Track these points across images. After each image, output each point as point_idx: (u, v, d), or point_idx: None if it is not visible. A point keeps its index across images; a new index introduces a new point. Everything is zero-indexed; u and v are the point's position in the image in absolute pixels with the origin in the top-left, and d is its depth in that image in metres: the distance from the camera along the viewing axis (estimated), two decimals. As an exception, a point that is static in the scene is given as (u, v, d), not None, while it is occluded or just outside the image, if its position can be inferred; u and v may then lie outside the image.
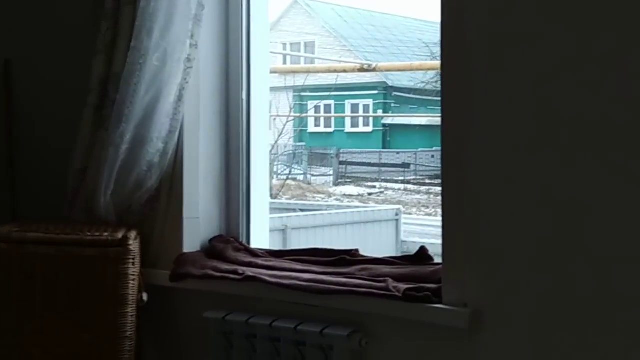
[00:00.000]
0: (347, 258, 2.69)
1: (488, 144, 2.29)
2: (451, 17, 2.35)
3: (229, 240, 2.90)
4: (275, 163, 12.64)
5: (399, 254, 2.79)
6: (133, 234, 2.74)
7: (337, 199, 12.37)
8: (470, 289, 2.30)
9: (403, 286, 2.42)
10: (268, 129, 3.19)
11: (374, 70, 11.57)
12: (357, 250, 2.75)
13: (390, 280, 2.47)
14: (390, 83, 15.61)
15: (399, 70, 13.64)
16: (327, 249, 2.80)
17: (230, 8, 2.97)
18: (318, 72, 12.56)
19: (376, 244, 7.70)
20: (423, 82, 13.07)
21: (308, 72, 12.30)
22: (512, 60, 2.25)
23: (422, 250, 2.62)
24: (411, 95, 14.72)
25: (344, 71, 12.03)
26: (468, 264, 2.31)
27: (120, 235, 2.71)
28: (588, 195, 2.15)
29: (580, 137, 2.17)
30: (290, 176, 12.97)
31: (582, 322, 2.16)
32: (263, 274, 2.65)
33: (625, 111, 2.10)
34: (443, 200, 2.38)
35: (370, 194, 12.84)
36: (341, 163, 14.59)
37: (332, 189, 13.34)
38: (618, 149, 2.11)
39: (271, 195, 11.59)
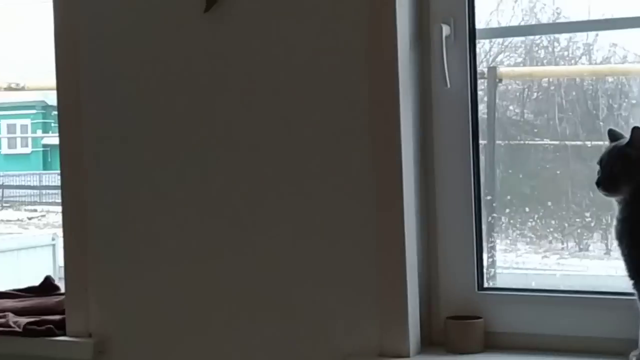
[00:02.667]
0: (-34, 295, 2.52)
1: (105, 166, 2.26)
2: (64, 31, 2.30)
3: None
4: None
5: (58, 279, 2.71)
6: None
7: (-7, 225, 11.74)
8: (95, 318, 2.25)
9: (24, 320, 2.31)
10: None
11: (22, 89, 11.10)
12: (-22, 286, 2.58)
13: (10, 315, 2.35)
14: (49, 102, 15.14)
15: (52, 89, 13.26)
16: (-56, 286, 2.61)
17: None
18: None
19: (32, 271, 7.37)
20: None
21: (-50, 92, 11.58)
22: (125, 78, 2.25)
23: (47, 280, 2.52)
24: (71, 114, 14.34)
25: (-15, 91, 11.44)
26: (91, 292, 2.26)
27: None
28: (209, 221, 2.18)
29: (197, 157, 2.19)
30: (-62, 204, 12.12)
31: (203, 347, 2.18)
32: None
33: (244, 141, 2.16)
34: (63, 227, 2.32)
35: (30, 219, 12.34)
36: (-2, 187, 13.93)
37: (-11, 215, 12.69)
38: (235, 172, 2.16)
39: None
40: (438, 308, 2.10)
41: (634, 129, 1.84)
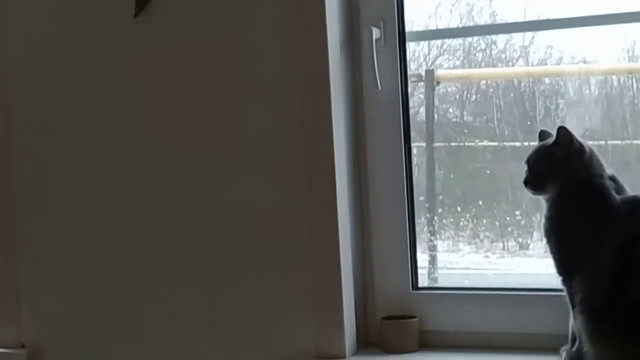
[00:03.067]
0: None
1: (33, 174, 2.26)
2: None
3: None
4: None
5: None
6: None
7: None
8: (27, 329, 2.24)
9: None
10: None
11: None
12: None
13: (-57, 327, 2.31)
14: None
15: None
16: None
17: None
18: None
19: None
20: None
21: None
22: (54, 85, 2.24)
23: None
24: None
25: None
26: (23, 303, 2.24)
27: None
28: (140, 226, 2.18)
29: (128, 162, 2.19)
30: None
31: (139, 353, 2.19)
32: None
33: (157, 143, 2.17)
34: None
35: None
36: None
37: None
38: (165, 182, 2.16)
39: None
40: (373, 309, 2.12)
41: (560, 128, 1.87)
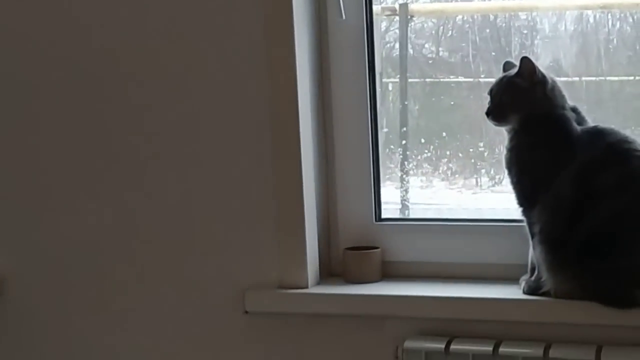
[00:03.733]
0: None
1: None
2: None
3: None
4: None
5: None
6: None
7: None
8: None
9: None
10: None
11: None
12: None
13: None
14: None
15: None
16: None
17: None
18: None
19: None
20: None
21: None
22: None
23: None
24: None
25: None
26: None
27: None
28: (108, 160, 2.16)
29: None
30: None
31: (102, 284, 2.19)
32: None
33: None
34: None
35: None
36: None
37: None
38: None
39: None
40: (337, 240, 2.13)
41: (522, 59, 1.86)
